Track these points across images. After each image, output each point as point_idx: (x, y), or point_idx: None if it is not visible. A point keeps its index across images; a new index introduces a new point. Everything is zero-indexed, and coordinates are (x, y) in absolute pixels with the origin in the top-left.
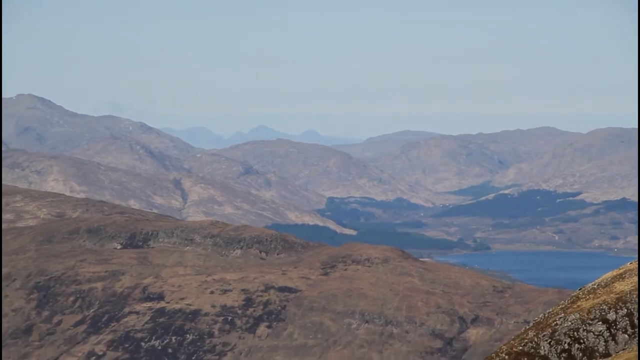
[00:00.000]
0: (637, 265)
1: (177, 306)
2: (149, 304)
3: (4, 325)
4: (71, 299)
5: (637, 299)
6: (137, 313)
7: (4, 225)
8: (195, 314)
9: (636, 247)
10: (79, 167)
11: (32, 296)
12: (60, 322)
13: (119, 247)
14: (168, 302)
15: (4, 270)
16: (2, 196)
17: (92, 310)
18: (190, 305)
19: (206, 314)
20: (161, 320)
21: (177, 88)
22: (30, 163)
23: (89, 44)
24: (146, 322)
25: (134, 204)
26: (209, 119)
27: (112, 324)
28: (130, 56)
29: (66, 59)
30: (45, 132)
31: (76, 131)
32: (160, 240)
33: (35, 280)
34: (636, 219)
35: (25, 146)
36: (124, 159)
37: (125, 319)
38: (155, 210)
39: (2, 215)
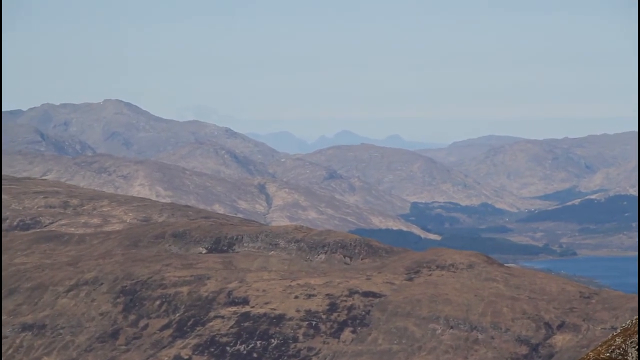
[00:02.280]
0: None
1: (262, 311)
2: (234, 309)
3: (91, 329)
4: (157, 303)
5: None
6: (222, 317)
7: (91, 230)
8: (280, 318)
9: None
10: (164, 172)
11: (118, 300)
12: (146, 326)
13: (204, 252)
14: (253, 307)
15: (91, 274)
16: (90, 201)
17: (177, 315)
18: (274, 309)
19: (291, 319)
20: (246, 324)
21: (262, 92)
22: (116, 168)
23: (173, 48)
24: (231, 327)
25: (218, 208)
26: (293, 124)
27: (198, 328)
28: (215, 60)
29: (152, 64)
30: (131, 137)
31: (162, 136)
32: (245, 244)
33: (121, 285)
34: None
35: (112, 151)
36: (209, 163)
37: (211, 323)
38: (239, 215)
39: (90, 219)
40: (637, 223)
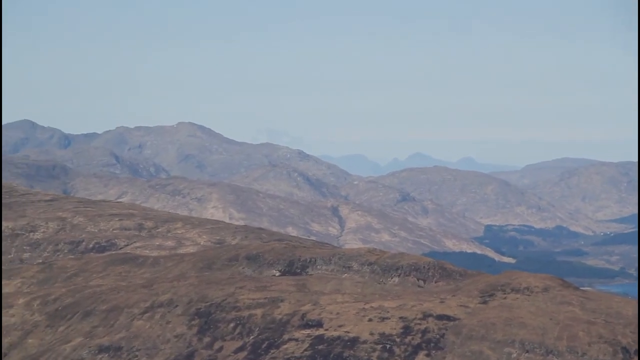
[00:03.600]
0: None
1: (336, 333)
2: (307, 331)
3: (166, 351)
4: (231, 325)
5: None
6: (296, 340)
7: (165, 252)
8: (354, 341)
9: None
10: (238, 195)
11: (193, 322)
12: (221, 348)
13: (277, 274)
14: (327, 330)
15: (166, 296)
16: (164, 223)
17: (252, 337)
18: (348, 332)
19: (364, 342)
20: (320, 347)
21: (334, 115)
22: (190, 190)
23: (245, 71)
24: (305, 349)
25: (292, 230)
26: (366, 146)
27: (272, 351)
28: (287, 83)
29: (225, 87)
30: (204, 159)
31: (235, 159)
32: (318, 267)
33: (196, 307)
34: None
35: (186, 173)
36: (281, 186)
37: (285, 346)
38: (313, 237)
39: (164, 241)
40: None
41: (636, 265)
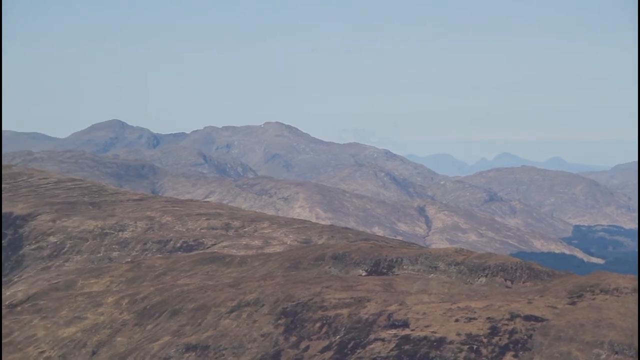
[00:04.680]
0: None
1: (422, 334)
2: (394, 331)
3: (253, 350)
4: (318, 324)
5: None
6: (383, 340)
7: (252, 251)
8: (441, 342)
9: None
10: (324, 194)
11: (279, 322)
12: (307, 347)
13: (363, 274)
14: (413, 330)
15: (253, 295)
16: (251, 223)
17: (338, 337)
18: (435, 333)
19: (451, 342)
20: (406, 347)
21: (421, 114)
22: (277, 190)
23: (330, 71)
24: (391, 349)
25: (378, 230)
26: (453, 146)
27: (358, 351)
28: (374, 82)
29: (311, 86)
30: (292, 159)
31: (322, 158)
32: (405, 267)
33: (282, 306)
34: None
35: (273, 173)
36: (368, 185)
37: (371, 346)
38: (399, 237)
39: (251, 241)
40: None
41: None
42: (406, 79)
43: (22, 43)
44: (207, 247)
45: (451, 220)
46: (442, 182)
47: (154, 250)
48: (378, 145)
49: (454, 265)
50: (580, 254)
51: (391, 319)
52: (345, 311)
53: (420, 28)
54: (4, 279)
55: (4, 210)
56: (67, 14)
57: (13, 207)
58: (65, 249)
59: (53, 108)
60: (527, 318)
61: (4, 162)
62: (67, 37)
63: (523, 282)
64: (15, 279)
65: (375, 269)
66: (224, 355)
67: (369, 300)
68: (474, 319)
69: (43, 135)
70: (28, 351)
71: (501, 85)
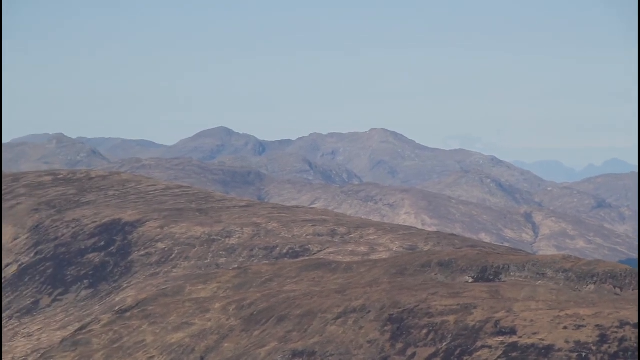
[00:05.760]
0: None
1: (530, 341)
2: (501, 338)
3: (359, 357)
4: (424, 331)
5: None
6: (490, 347)
7: (358, 258)
8: (549, 349)
9: None
10: (430, 201)
11: (385, 328)
12: (414, 354)
13: (470, 281)
14: (520, 337)
15: (359, 301)
16: (356, 229)
17: (444, 344)
18: (543, 340)
19: (559, 350)
20: (514, 354)
21: (528, 122)
22: (383, 196)
23: (438, 77)
24: (499, 357)
25: (484, 237)
26: (561, 152)
27: (465, 358)
28: (479, 88)
29: (417, 93)
30: (397, 165)
31: (427, 165)
32: (512, 274)
33: (389, 313)
34: None
35: (378, 180)
36: (474, 192)
37: (478, 353)
38: (506, 244)
39: (357, 247)
40: None
41: None
42: (513, 86)
43: (129, 50)
44: (313, 254)
45: (559, 226)
46: (549, 189)
47: (261, 256)
48: (484, 152)
49: (562, 272)
50: None
51: (498, 326)
52: (451, 318)
53: (524, 36)
54: (113, 285)
55: (113, 217)
56: (176, 21)
57: (122, 214)
58: (173, 255)
59: (160, 116)
60: (637, 326)
61: (113, 169)
62: (174, 44)
63: (632, 290)
64: (125, 285)
65: (482, 276)
66: None
67: (475, 307)
68: (583, 326)
69: (151, 143)
70: (137, 356)
71: (610, 92)
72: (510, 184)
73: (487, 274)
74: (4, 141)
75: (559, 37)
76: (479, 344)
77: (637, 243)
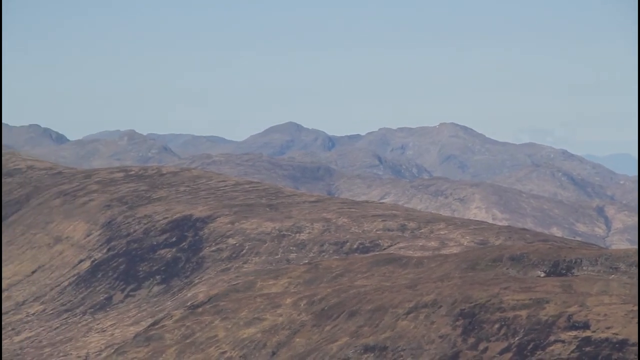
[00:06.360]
0: None
1: (604, 335)
2: (574, 333)
3: (431, 351)
4: (496, 326)
5: None
6: (563, 342)
7: (428, 253)
8: (623, 343)
9: None
10: (500, 195)
11: (457, 323)
12: (486, 349)
13: (542, 275)
14: (594, 331)
15: (430, 296)
16: (427, 224)
17: (517, 338)
18: (617, 334)
19: (634, 344)
20: (587, 349)
21: (599, 115)
22: (453, 191)
23: (507, 71)
24: (572, 351)
25: (556, 231)
26: (632, 145)
27: (538, 352)
28: (548, 82)
29: (487, 87)
30: (466, 160)
31: (497, 159)
32: (584, 268)
33: (460, 307)
34: None
35: (447, 174)
36: (545, 186)
37: (551, 348)
38: (578, 238)
39: (427, 242)
40: None
41: None
42: (583, 79)
43: (200, 48)
44: (384, 249)
45: (632, 220)
46: (621, 182)
47: (331, 251)
48: (555, 145)
49: (635, 266)
50: None
51: (571, 321)
52: (524, 312)
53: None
54: (185, 281)
55: (184, 213)
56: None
57: (193, 210)
58: (244, 250)
59: (230, 112)
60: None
61: (183, 165)
62: (246, 42)
63: None
64: (196, 281)
65: (554, 270)
66: (402, 356)
67: (548, 302)
68: None
69: (221, 139)
70: (209, 352)
71: None
72: (581, 177)
73: (559, 268)
74: (76, 138)
75: (632, 29)
76: (551, 338)
77: None
